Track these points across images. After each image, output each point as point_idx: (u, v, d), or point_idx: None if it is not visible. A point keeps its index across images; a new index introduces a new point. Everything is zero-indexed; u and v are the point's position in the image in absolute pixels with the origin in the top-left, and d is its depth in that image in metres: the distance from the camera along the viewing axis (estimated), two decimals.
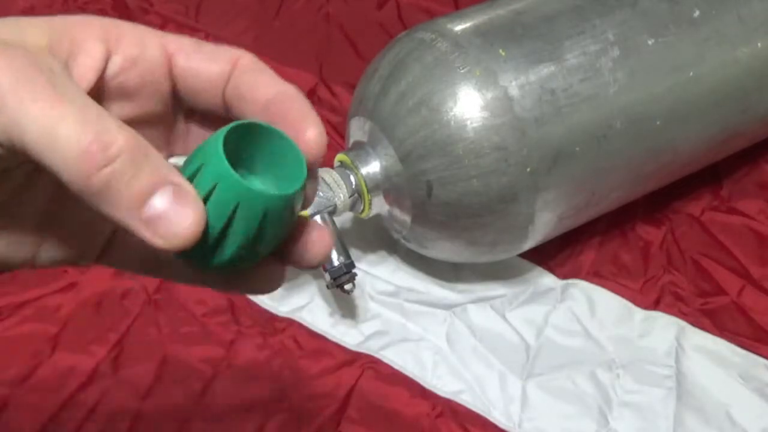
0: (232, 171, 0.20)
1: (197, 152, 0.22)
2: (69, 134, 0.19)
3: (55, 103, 0.19)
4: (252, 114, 0.23)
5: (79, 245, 0.25)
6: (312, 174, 0.23)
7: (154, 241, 0.20)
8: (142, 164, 0.19)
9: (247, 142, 0.22)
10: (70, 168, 0.19)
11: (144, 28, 0.24)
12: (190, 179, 0.21)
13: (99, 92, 0.23)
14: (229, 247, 0.22)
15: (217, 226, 0.21)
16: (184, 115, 0.26)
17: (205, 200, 0.21)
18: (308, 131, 0.22)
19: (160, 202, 0.19)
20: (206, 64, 0.24)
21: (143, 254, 0.25)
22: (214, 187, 0.20)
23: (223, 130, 0.21)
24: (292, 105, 0.23)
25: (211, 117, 0.25)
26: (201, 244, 0.21)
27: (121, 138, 0.19)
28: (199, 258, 0.22)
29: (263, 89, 0.23)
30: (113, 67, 0.23)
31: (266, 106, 0.23)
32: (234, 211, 0.21)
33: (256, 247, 0.22)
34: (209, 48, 0.24)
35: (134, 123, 0.24)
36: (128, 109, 0.24)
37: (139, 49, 0.23)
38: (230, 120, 0.23)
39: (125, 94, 0.24)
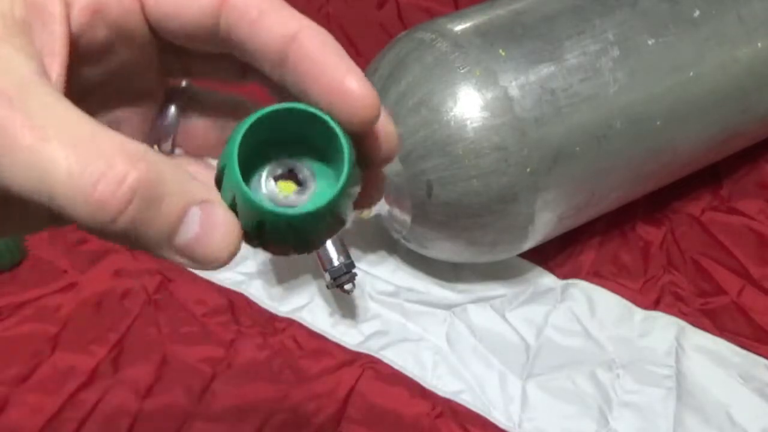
0: (243, 186, 0.18)
1: (227, 145, 0.19)
2: (68, 181, 0.16)
3: (35, 141, 0.16)
4: (263, 64, 0.20)
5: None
6: (372, 159, 0.20)
7: (194, 266, 0.18)
8: (162, 193, 0.17)
9: (286, 123, 0.19)
10: (83, 219, 0.16)
11: None
12: (219, 179, 0.19)
13: (74, 68, 0.20)
14: (269, 247, 0.20)
15: (251, 232, 0.19)
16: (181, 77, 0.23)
17: (233, 207, 0.19)
18: (347, 83, 0.19)
19: (190, 229, 0.18)
20: (185, 2, 0.20)
21: None
22: (234, 198, 0.19)
23: (246, 122, 0.19)
24: (318, 51, 0.19)
25: (213, 77, 0.22)
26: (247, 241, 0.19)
27: (131, 172, 0.16)
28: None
29: (268, 30, 0.19)
30: (74, 20, 0.19)
31: (280, 56, 0.19)
32: (259, 224, 0.19)
33: (297, 249, 0.20)
34: None
35: (114, 94, 0.21)
36: (102, 71, 0.21)
37: None
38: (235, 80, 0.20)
39: (95, 54, 0.20)
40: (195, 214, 0.18)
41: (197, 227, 0.18)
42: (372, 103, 0.19)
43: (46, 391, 0.52)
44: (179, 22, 0.20)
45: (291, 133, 0.20)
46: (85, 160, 0.16)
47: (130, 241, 0.17)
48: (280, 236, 0.19)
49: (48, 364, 0.54)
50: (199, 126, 0.24)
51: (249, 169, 0.20)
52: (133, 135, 0.22)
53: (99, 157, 0.16)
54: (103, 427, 0.51)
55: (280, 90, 0.20)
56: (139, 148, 0.17)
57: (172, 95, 0.23)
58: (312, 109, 0.19)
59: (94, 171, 0.16)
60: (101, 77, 0.21)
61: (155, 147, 0.23)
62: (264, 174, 0.20)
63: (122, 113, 0.23)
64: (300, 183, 0.20)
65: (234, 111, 0.24)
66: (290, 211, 0.19)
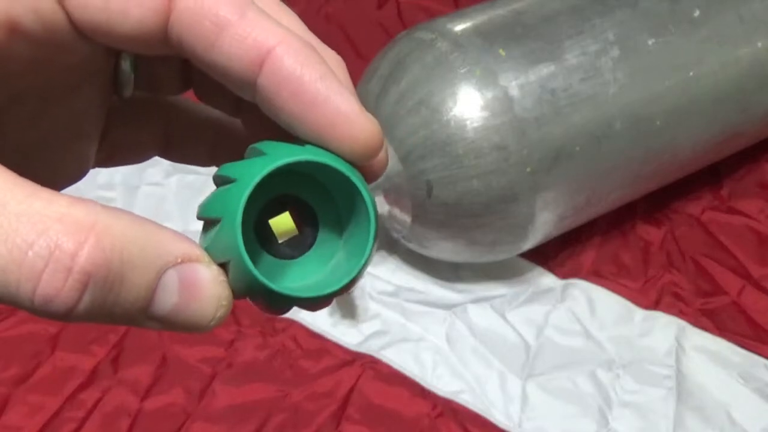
0: (247, 260, 0.15)
1: (220, 193, 0.16)
2: (3, 274, 0.13)
3: None
4: (233, 86, 0.16)
5: (65, 165, 0.20)
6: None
7: (179, 332, 0.16)
8: (123, 268, 0.14)
9: (303, 174, 0.16)
10: (33, 312, 0.14)
11: None
12: (206, 225, 0.16)
13: None
14: (266, 310, 0.17)
15: (245, 296, 0.16)
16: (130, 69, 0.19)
17: (224, 266, 0.16)
18: (347, 116, 0.15)
19: (167, 298, 0.15)
20: (117, 16, 0.15)
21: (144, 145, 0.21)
22: (228, 262, 0.16)
23: (254, 178, 0.15)
24: (299, 73, 0.15)
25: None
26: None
27: (80, 250, 0.13)
28: None
29: (229, 50, 0.15)
30: None
31: (249, 79, 0.16)
32: (256, 296, 0.16)
33: (304, 308, 0.17)
34: None
35: (58, 89, 0.18)
36: (33, 81, 0.17)
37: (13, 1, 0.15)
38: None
39: (19, 72, 0.17)
40: (171, 280, 0.15)
41: (176, 296, 0.15)
42: (371, 136, 0.16)
43: (46, 391, 0.52)
44: (112, 39, 0.16)
45: (302, 182, 0.17)
46: (23, 241, 0.13)
47: (97, 321, 0.14)
48: (280, 306, 0.16)
49: (48, 364, 0.54)
50: (157, 68, 0.20)
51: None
52: (89, 109, 0.20)
53: (39, 236, 0.13)
54: (103, 427, 0.51)
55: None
56: (89, 212, 0.14)
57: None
58: (340, 167, 0.16)
59: (34, 257, 0.13)
60: (32, 84, 0.18)
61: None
62: (258, 207, 0.17)
63: (70, 100, 0.19)
64: (296, 221, 0.17)
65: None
66: (302, 294, 0.16)
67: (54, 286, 0.13)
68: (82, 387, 0.53)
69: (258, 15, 0.15)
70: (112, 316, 0.14)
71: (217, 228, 0.16)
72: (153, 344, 0.55)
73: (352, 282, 0.16)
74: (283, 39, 0.15)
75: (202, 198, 0.17)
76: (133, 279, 0.14)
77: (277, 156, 0.15)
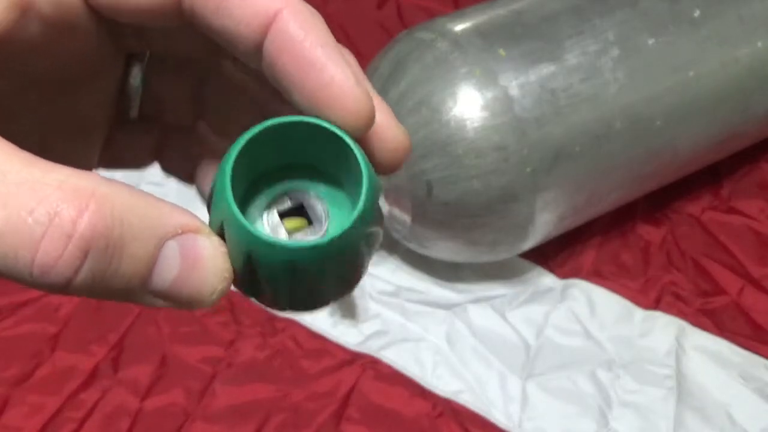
0: (234, 209, 0.15)
1: (221, 163, 0.16)
2: (2, 240, 0.13)
3: None
4: (235, 51, 0.16)
5: (76, 152, 0.20)
6: (374, 166, 0.16)
7: (179, 308, 0.15)
8: (123, 235, 0.14)
9: (293, 140, 0.16)
10: (31, 284, 0.13)
11: None
12: (209, 201, 0.16)
13: (5, 66, 0.16)
14: (262, 295, 0.16)
15: (241, 270, 0.16)
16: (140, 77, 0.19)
17: (223, 236, 0.15)
18: (335, 80, 0.15)
19: (168, 269, 0.14)
20: None
21: (143, 157, 0.21)
22: (222, 225, 0.15)
23: (243, 137, 0.15)
24: (301, 39, 0.16)
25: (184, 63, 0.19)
26: (242, 283, 0.16)
27: (80, 218, 0.13)
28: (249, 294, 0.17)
29: (240, 10, 0.15)
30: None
31: (256, 42, 0.16)
32: (249, 259, 0.15)
33: (294, 301, 0.17)
34: None
35: (65, 79, 0.18)
36: (43, 64, 0.17)
37: None
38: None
39: (29, 52, 0.16)
40: (172, 251, 0.14)
41: (176, 267, 0.14)
42: (363, 107, 0.16)
43: (46, 391, 0.52)
44: (127, 8, 0.16)
45: (299, 154, 0.17)
46: (22, 208, 0.13)
47: (94, 296, 0.14)
48: (274, 279, 0.16)
49: (48, 364, 0.54)
50: (168, 88, 0.20)
51: (248, 197, 0.17)
52: (96, 109, 0.20)
53: (39, 203, 0.13)
54: (103, 427, 0.51)
55: (258, 76, 0.17)
56: (89, 181, 0.14)
57: (133, 58, 0.20)
58: (324, 124, 0.16)
59: (34, 224, 0.13)
60: (44, 68, 0.18)
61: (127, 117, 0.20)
62: (265, 204, 0.17)
63: (79, 94, 0.19)
64: (310, 220, 0.17)
65: (204, 68, 0.20)
66: (289, 244, 0.15)
67: (53, 254, 0.13)
68: (82, 387, 0.53)
69: None
70: (110, 290, 0.14)
71: (213, 197, 0.15)
72: (153, 344, 0.55)
73: (348, 236, 0.15)
74: (289, 3, 0.16)
75: (202, 199, 0.17)
76: (133, 249, 0.14)
77: (262, 123, 0.15)
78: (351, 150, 0.16)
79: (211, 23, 0.16)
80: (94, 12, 0.16)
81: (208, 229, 0.15)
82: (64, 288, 0.14)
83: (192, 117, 0.21)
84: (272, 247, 0.15)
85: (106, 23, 0.17)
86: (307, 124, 0.16)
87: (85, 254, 0.13)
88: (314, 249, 0.15)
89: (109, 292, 0.14)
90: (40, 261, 0.13)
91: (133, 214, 0.14)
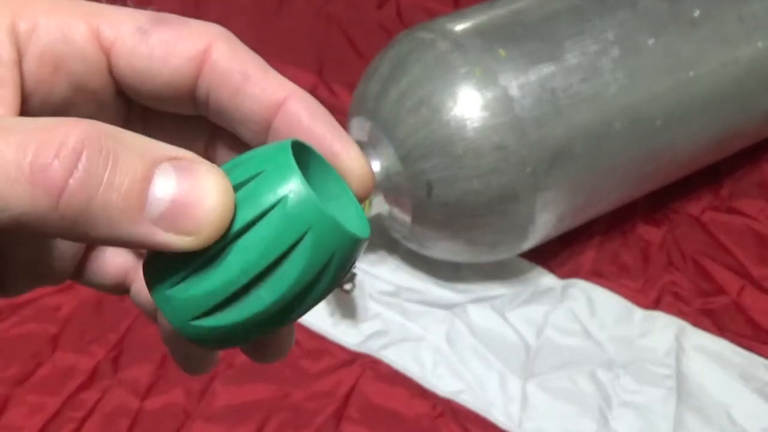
0: (306, 185, 0.15)
1: (244, 159, 0.16)
2: (1, 166, 0.13)
3: None
4: (243, 132, 0.18)
5: (48, 267, 0.21)
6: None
7: (178, 244, 0.14)
8: (117, 151, 0.14)
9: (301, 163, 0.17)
10: (26, 208, 0.13)
11: (67, 5, 0.17)
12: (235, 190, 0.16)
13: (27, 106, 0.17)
14: (272, 291, 0.16)
15: (263, 259, 0.15)
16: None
17: (252, 224, 0.15)
18: (343, 156, 0.17)
19: (163, 190, 0.14)
20: (158, 63, 0.17)
21: (114, 278, 0.22)
22: (275, 204, 0.15)
23: (286, 141, 0.16)
24: (309, 120, 0.17)
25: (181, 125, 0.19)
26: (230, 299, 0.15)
27: (71, 133, 0.13)
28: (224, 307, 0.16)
29: (252, 98, 0.17)
30: (28, 71, 0.16)
31: (264, 124, 0.17)
32: (297, 242, 0.15)
33: (296, 303, 0.16)
34: (161, 35, 0.17)
35: None
36: None
37: (60, 40, 0.16)
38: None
39: (48, 112, 0.17)
40: (167, 170, 0.14)
41: (174, 186, 0.14)
42: (368, 178, 0.17)
43: (46, 391, 0.52)
44: (152, 84, 0.17)
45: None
46: (21, 142, 0.13)
47: (90, 226, 0.14)
48: (305, 263, 0.15)
49: (48, 364, 0.54)
50: None
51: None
52: None
53: (37, 131, 0.14)
54: (103, 427, 0.51)
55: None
56: (87, 119, 0.14)
57: None
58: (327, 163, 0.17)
59: (28, 146, 0.13)
60: None
61: None
62: None
63: None
64: None
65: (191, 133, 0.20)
66: (351, 231, 0.16)
67: (46, 159, 0.13)
68: (82, 387, 0.52)
69: (276, 73, 0.18)
70: (107, 214, 0.14)
71: (252, 183, 0.15)
72: (153, 344, 0.55)
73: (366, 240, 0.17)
74: (295, 92, 0.17)
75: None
76: (128, 162, 0.14)
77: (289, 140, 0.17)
78: (343, 183, 0.18)
79: (227, 103, 0.17)
80: (114, 85, 0.17)
81: (202, 159, 0.15)
82: (56, 208, 0.13)
83: None
84: (338, 228, 0.15)
85: (121, 101, 0.18)
86: (313, 152, 0.17)
87: (76, 162, 0.13)
88: (359, 240, 0.16)
89: (103, 219, 0.14)
90: (34, 169, 0.13)
91: (130, 136, 0.14)
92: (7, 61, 0.16)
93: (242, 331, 0.16)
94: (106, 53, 0.17)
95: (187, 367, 0.20)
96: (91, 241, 0.14)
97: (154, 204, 0.14)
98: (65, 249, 0.20)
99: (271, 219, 0.15)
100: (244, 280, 0.15)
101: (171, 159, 0.14)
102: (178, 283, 0.16)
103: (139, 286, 0.22)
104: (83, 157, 0.13)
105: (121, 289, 0.22)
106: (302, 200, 0.15)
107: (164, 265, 0.16)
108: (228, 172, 0.16)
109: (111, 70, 0.17)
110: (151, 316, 0.21)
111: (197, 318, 0.16)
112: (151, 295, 0.16)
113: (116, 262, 0.22)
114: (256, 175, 0.15)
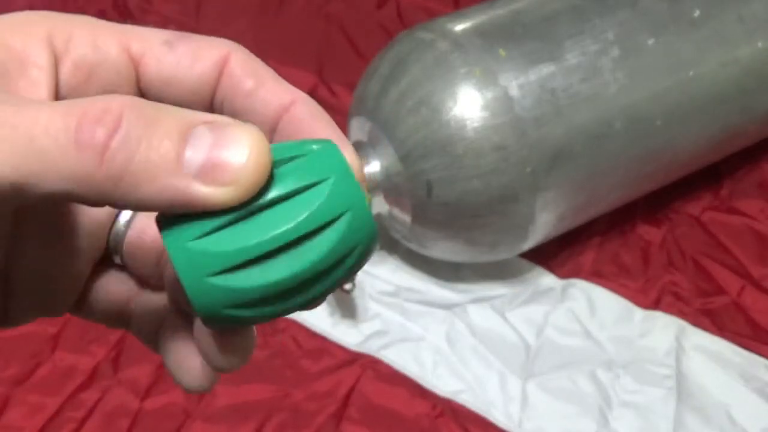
0: (352, 171, 0.17)
1: (290, 144, 0.17)
2: (50, 133, 0.15)
3: (16, 113, 0.15)
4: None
5: (52, 297, 0.22)
6: None
7: (216, 196, 0.15)
8: (155, 116, 0.15)
9: None
10: (73, 170, 0.15)
11: (99, 23, 0.18)
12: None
13: None
14: (296, 262, 0.16)
15: (300, 228, 0.16)
16: None
17: (296, 192, 0.16)
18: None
19: (200, 147, 0.15)
20: (184, 70, 0.18)
21: (116, 307, 0.23)
22: (324, 180, 0.16)
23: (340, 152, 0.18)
24: (310, 120, 0.19)
25: None
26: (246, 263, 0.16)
27: (113, 102, 0.15)
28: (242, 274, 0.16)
29: (263, 101, 0.19)
30: (63, 77, 0.18)
31: (271, 125, 0.19)
32: (333, 220, 0.16)
33: (312, 282, 0.16)
34: (186, 46, 0.19)
35: None
36: None
37: (93, 51, 0.18)
38: None
39: None
40: (203, 131, 0.15)
41: (209, 142, 0.15)
42: (358, 176, 0.18)
43: (46, 391, 0.52)
44: (177, 91, 0.19)
45: None
46: (68, 111, 0.15)
47: (131, 186, 0.15)
48: (333, 246, 0.16)
49: (48, 364, 0.54)
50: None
51: None
52: (91, 239, 0.22)
53: (81, 102, 0.15)
54: (103, 427, 0.51)
55: None
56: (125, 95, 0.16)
57: None
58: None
59: (72, 114, 0.15)
60: None
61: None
62: None
63: (81, 215, 0.21)
64: None
65: None
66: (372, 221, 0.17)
67: (91, 123, 0.15)
68: (82, 387, 0.52)
69: (283, 80, 0.19)
70: (147, 170, 0.15)
71: (294, 162, 0.17)
72: None
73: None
74: (301, 97, 0.19)
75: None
76: (166, 122, 0.15)
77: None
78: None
79: (237, 111, 0.19)
80: (142, 97, 0.19)
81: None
82: (101, 166, 0.15)
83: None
84: (369, 219, 0.17)
85: None
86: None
87: (119, 123, 0.15)
88: (375, 239, 0.17)
89: (144, 177, 0.15)
90: (80, 132, 0.15)
91: (164, 105, 0.16)
92: (44, 66, 0.17)
93: (250, 302, 0.16)
94: (136, 65, 0.18)
95: (188, 381, 0.22)
96: (134, 205, 0.15)
97: (192, 160, 0.15)
98: (71, 273, 0.21)
99: (316, 191, 0.16)
100: (274, 245, 0.16)
101: (206, 123, 0.16)
102: (200, 236, 0.16)
103: (138, 318, 0.23)
104: (123, 121, 0.15)
105: (122, 319, 0.23)
106: (349, 182, 0.16)
107: (187, 216, 0.16)
108: (274, 149, 0.17)
109: (138, 82, 0.19)
110: (152, 345, 0.23)
111: (215, 274, 0.16)
112: (165, 245, 0.16)
113: (119, 290, 0.23)
114: (306, 154, 0.17)
